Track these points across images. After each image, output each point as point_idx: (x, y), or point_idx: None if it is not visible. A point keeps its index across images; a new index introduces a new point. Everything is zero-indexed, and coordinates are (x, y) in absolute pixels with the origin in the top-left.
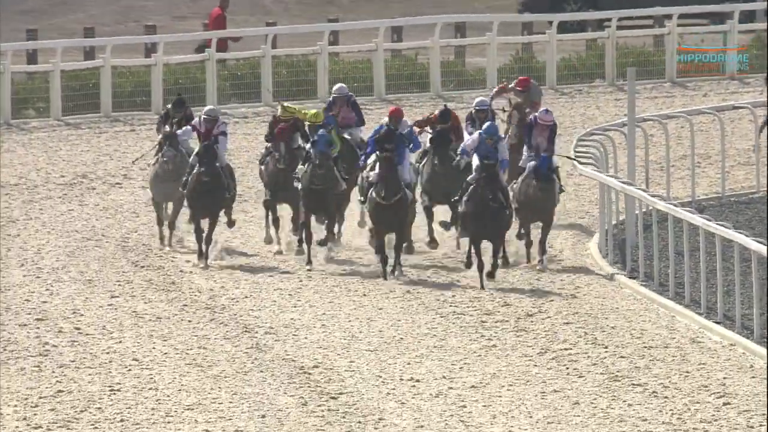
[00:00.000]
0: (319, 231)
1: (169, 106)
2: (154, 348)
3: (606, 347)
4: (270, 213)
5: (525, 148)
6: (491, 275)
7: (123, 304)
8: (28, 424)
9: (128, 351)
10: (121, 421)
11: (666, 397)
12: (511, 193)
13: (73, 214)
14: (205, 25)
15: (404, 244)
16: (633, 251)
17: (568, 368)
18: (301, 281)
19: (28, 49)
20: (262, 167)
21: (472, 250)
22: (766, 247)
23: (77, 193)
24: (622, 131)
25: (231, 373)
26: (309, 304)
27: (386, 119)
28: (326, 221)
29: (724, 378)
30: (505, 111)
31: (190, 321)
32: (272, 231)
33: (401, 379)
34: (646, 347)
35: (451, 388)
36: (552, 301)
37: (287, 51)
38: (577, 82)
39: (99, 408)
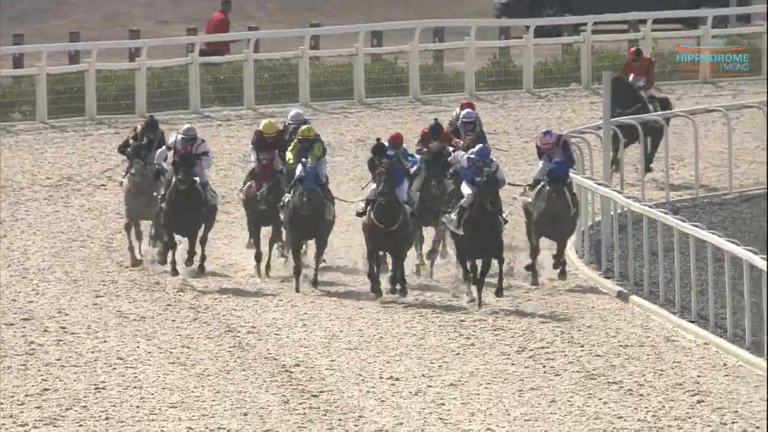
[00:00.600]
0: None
1: (139, 127)
2: (138, 347)
3: (582, 346)
4: (254, 241)
5: (540, 162)
6: (500, 292)
7: (108, 303)
8: (14, 422)
9: (113, 350)
10: (106, 419)
11: (641, 395)
12: (528, 199)
13: (59, 216)
14: (189, 30)
15: (399, 282)
16: (608, 251)
17: (544, 366)
18: (282, 281)
19: (14, 53)
20: (243, 191)
21: (467, 265)
22: (740, 247)
23: (62, 194)
24: (598, 134)
25: (214, 372)
26: (291, 304)
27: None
28: (315, 251)
29: (698, 376)
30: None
31: (173, 320)
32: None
33: (381, 378)
34: (621, 346)
35: (429, 386)
36: (529, 300)
37: (269, 55)
38: (554, 86)
39: (84, 406)
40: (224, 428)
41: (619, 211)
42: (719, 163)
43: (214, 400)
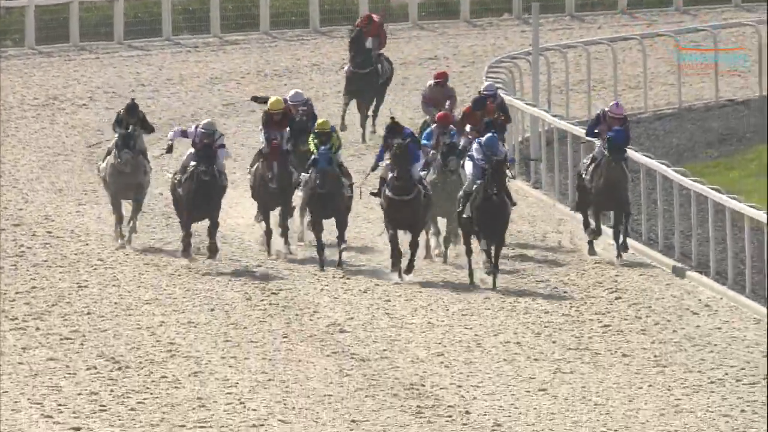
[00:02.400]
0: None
1: (121, 111)
2: (116, 250)
3: (513, 248)
4: (264, 223)
5: (585, 134)
6: (496, 269)
7: (89, 210)
8: (6, 317)
9: (94, 252)
10: (88, 314)
11: (565, 292)
12: (584, 175)
13: (45, 132)
14: None
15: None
16: (535, 164)
17: (479, 266)
18: (246, 190)
19: None
20: (252, 170)
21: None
22: (649, 159)
23: (48, 113)
24: (528, 59)
25: (184, 272)
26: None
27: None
28: (336, 227)
29: (616, 275)
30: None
31: (148, 225)
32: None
33: (333, 277)
34: (547, 249)
35: (377, 284)
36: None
37: None
38: (488, 16)
39: (68, 302)
40: (193, 322)
41: (546, 128)
42: (635, 86)
43: (184, 298)
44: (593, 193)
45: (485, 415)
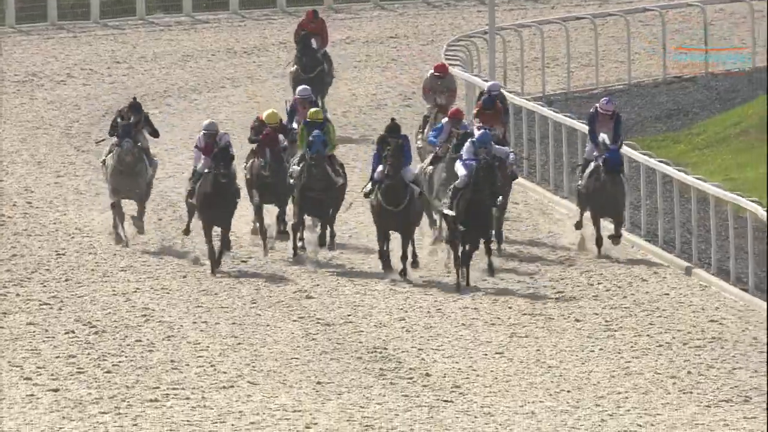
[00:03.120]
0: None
1: (124, 108)
2: (93, 220)
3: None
4: (258, 218)
5: (588, 140)
6: (491, 269)
7: (67, 182)
8: None
9: (72, 221)
10: (66, 280)
11: (521, 261)
12: (581, 182)
13: (25, 107)
14: None
15: (409, 258)
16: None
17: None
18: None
19: None
20: (246, 168)
21: (457, 252)
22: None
23: (28, 89)
24: (484, 38)
25: (158, 240)
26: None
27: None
28: (321, 223)
29: (570, 244)
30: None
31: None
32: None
33: (300, 248)
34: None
35: (342, 253)
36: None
37: None
38: None
39: (47, 269)
40: (166, 289)
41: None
42: (587, 63)
43: (158, 265)
44: (591, 202)
45: (445, 377)
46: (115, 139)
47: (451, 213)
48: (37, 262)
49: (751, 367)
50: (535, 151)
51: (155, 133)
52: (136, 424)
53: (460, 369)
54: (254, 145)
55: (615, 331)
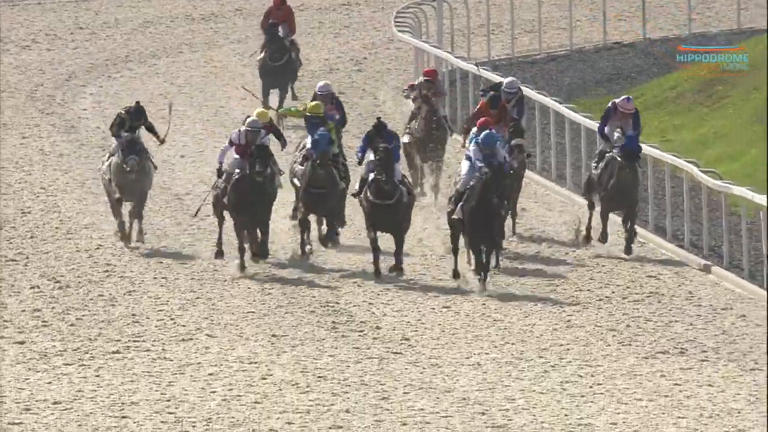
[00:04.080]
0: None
1: (124, 112)
2: (57, 179)
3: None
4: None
5: (598, 135)
6: (483, 283)
7: (32, 143)
8: None
9: (36, 181)
10: (31, 237)
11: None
12: (594, 172)
13: None
14: None
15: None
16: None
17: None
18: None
19: None
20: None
21: (466, 258)
22: (543, 96)
23: None
24: (432, 5)
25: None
26: (182, 144)
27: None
28: (326, 221)
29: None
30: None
31: (86, 157)
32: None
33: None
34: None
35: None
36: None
37: None
38: None
39: (13, 227)
40: (174, 319)
41: (449, 68)
42: (530, 29)
43: (162, 286)
44: (603, 195)
45: (394, 329)
46: (111, 147)
47: (456, 216)
48: (3, 219)
49: (686, 321)
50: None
51: (158, 136)
52: (98, 375)
53: (408, 322)
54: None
55: (557, 286)
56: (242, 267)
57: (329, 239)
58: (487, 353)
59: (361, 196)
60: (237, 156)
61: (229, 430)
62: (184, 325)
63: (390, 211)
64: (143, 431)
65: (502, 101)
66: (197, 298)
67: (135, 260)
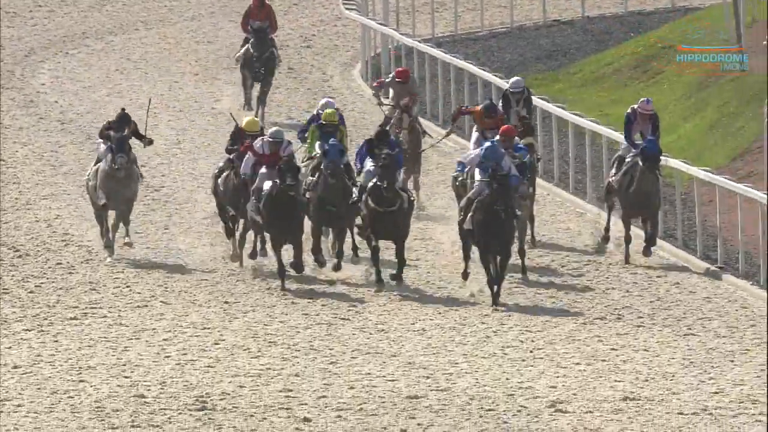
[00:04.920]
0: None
1: (112, 119)
2: (17, 152)
3: None
4: (233, 228)
5: (626, 142)
6: (498, 292)
7: None
8: None
9: None
10: None
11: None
12: (612, 179)
13: None
14: None
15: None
16: (386, 76)
17: None
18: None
19: None
20: (219, 181)
21: (471, 265)
22: (485, 72)
23: None
24: None
25: (77, 170)
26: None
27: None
28: (337, 235)
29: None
30: (382, 104)
31: (45, 130)
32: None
33: (207, 173)
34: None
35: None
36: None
37: None
38: None
39: None
40: (85, 216)
41: (395, 44)
42: (473, 7)
43: (77, 194)
44: (625, 201)
45: (342, 296)
46: (99, 152)
47: (467, 226)
48: None
49: (623, 288)
50: (426, 89)
51: (145, 140)
52: (56, 341)
53: (356, 289)
54: (230, 156)
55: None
56: (283, 286)
57: (341, 255)
58: (431, 319)
59: (361, 203)
60: (264, 170)
61: (183, 393)
62: (139, 293)
63: (391, 219)
64: (100, 394)
65: (500, 113)
66: (152, 266)
67: (92, 229)
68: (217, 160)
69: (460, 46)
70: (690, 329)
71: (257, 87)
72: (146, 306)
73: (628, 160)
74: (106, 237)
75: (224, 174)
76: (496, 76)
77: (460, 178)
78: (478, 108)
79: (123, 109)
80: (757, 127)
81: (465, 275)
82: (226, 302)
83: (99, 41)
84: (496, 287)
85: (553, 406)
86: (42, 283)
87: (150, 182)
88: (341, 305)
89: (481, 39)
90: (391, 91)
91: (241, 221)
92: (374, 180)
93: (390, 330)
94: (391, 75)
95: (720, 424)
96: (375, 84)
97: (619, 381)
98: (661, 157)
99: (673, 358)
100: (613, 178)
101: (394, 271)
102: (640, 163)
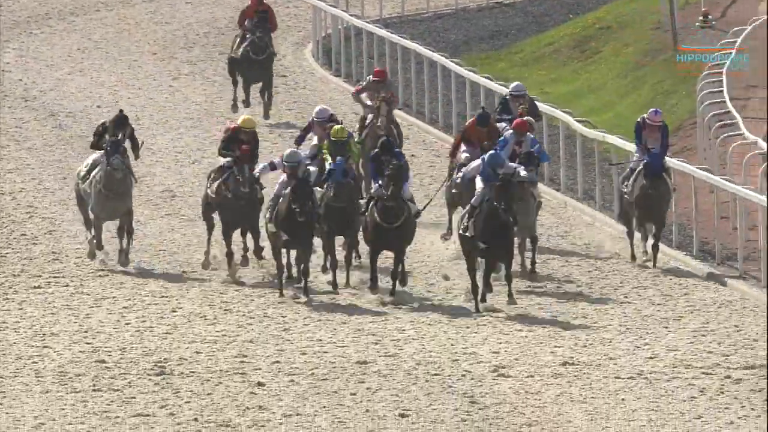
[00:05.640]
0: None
1: (107, 121)
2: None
3: None
4: (224, 242)
5: (635, 148)
6: (511, 298)
7: None
8: None
9: None
10: None
11: None
12: (623, 189)
13: None
14: None
15: (400, 275)
16: (336, 56)
17: None
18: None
19: None
20: (213, 187)
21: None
22: (431, 52)
23: None
24: None
25: (40, 146)
26: (108, 90)
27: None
28: (347, 244)
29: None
30: (367, 106)
31: (10, 107)
32: (212, 254)
33: (166, 148)
34: None
35: (204, 157)
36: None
37: None
38: None
39: None
40: (49, 188)
41: (344, 25)
42: None
43: (41, 168)
44: (636, 206)
45: (294, 266)
46: (93, 158)
47: (468, 234)
48: None
49: (562, 258)
50: (372, 65)
51: (136, 149)
52: (21, 308)
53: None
54: (224, 161)
55: (445, 225)
56: (305, 292)
57: (350, 260)
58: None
59: (366, 215)
60: (284, 177)
61: (142, 358)
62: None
63: (394, 234)
64: (63, 360)
65: (491, 121)
66: (112, 236)
67: (55, 202)
68: (198, 153)
69: (406, 26)
70: (626, 297)
71: (242, 85)
72: (107, 275)
73: (637, 171)
74: (96, 242)
75: (216, 183)
76: (441, 55)
77: (453, 190)
78: (471, 121)
79: (121, 111)
80: (690, 104)
81: (475, 291)
82: (183, 271)
83: (61, 22)
84: (507, 288)
85: (495, 371)
86: (7, 253)
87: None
88: (293, 273)
89: (426, 20)
90: (367, 97)
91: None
92: (377, 187)
93: (339, 298)
94: (368, 78)
95: (654, 387)
96: (354, 91)
97: (559, 347)
98: (664, 170)
99: (609, 325)
100: (626, 191)
101: (396, 282)
102: (643, 177)
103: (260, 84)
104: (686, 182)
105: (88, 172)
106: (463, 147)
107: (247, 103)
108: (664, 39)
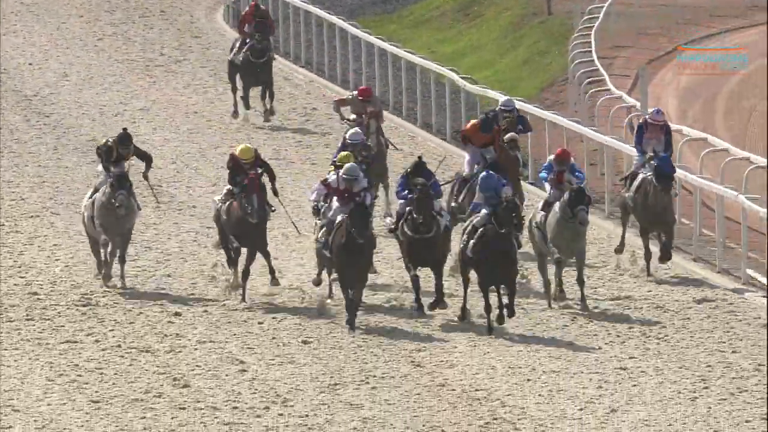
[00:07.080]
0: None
1: (110, 140)
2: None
3: None
4: (235, 258)
5: (636, 152)
6: (501, 319)
7: None
8: None
9: None
10: None
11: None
12: (628, 194)
13: None
14: None
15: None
16: (348, 95)
17: None
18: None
19: None
20: (222, 209)
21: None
22: (329, 15)
23: None
24: None
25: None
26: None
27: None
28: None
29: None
30: (346, 120)
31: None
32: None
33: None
34: None
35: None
36: None
37: None
38: None
39: None
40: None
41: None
42: None
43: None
44: (641, 217)
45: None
46: (96, 182)
47: (469, 254)
48: None
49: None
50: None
51: (148, 159)
52: None
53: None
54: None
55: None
56: (353, 326)
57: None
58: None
59: (398, 231)
60: (336, 203)
61: (71, 291)
62: (33, 204)
63: (428, 244)
64: None
65: (496, 126)
66: (43, 182)
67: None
68: (210, 182)
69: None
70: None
71: (242, 89)
72: (38, 216)
73: (640, 177)
74: (104, 269)
75: (227, 203)
76: (339, 18)
77: (452, 204)
78: (472, 123)
79: (124, 129)
80: (562, 62)
81: (464, 312)
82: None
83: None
84: (506, 310)
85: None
86: None
87: (41, 110)
88: (206, 215)
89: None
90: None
91: (244, 251)
92: (408, 209)
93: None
94: (353, 93)
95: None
96: (336, 102)
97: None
98: (674, 175)
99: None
100: (628, 194)
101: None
102: (654, 182)
103: (260, 88)
104: (558, 133)
105: (92, 204)
106: (466, 156)
107: (246, 106)
108: (539, 3)
